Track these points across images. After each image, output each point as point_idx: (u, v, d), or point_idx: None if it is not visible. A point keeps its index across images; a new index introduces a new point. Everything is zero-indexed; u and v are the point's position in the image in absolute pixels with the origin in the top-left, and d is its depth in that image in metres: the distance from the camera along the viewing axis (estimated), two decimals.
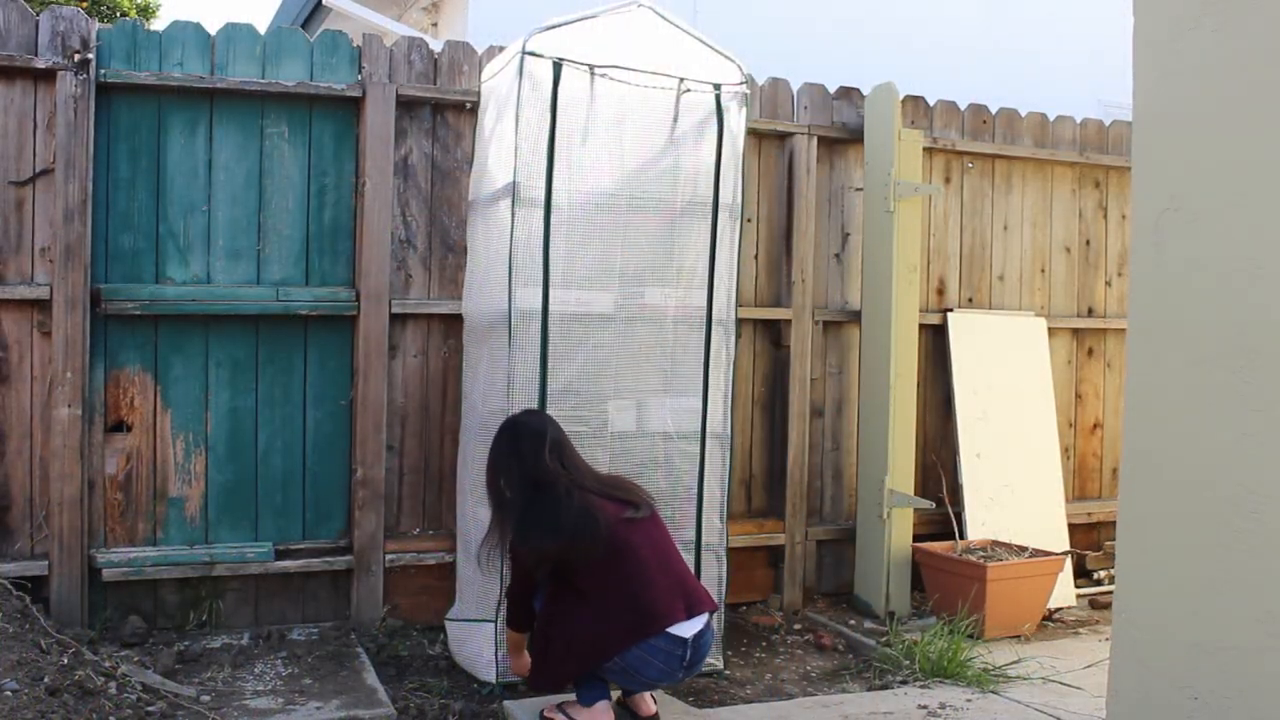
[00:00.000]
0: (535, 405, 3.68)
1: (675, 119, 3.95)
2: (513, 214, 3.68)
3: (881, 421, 4.83)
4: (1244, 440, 2.37)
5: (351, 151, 4.28)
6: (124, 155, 4.02)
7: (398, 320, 4.32)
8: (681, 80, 3.96)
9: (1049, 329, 5.44)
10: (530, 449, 3.35)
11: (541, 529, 3.25)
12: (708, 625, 3.33)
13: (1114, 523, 5.02)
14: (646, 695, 3.45)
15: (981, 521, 4.98)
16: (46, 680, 3.09)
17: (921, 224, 5.06)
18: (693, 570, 3.98)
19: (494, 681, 3.71)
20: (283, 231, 4.21)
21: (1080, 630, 4.75)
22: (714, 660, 4.02)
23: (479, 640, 3.79)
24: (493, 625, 3.72)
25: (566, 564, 3.26)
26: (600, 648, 3.21)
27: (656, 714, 3.45)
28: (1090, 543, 5.56)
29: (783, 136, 4.95)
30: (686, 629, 3.25)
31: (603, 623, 3.21)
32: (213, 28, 4.09)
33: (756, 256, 4.93)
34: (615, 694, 3.43)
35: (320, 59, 4.20)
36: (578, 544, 3.21)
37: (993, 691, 3.89)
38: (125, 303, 3.96)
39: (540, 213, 3.69)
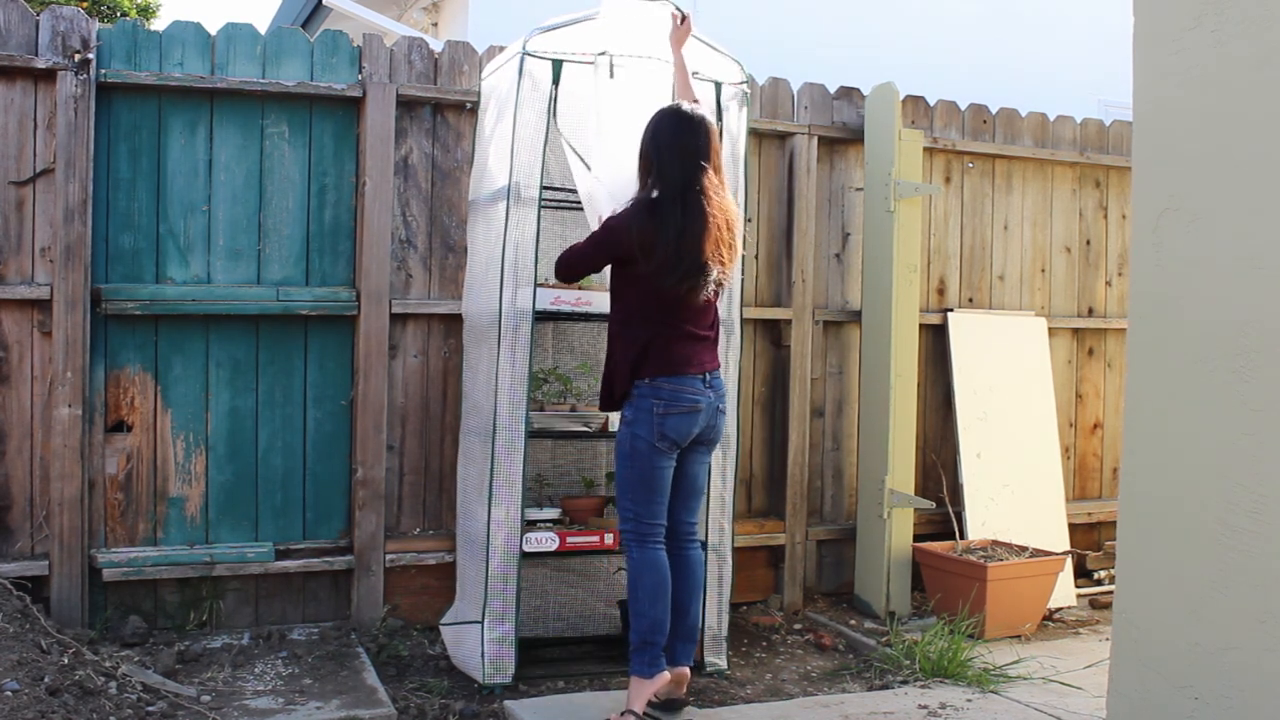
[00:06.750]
0: (524, 404, 3.71)
1: None
2: (506, 214, 3.69)
3: (882, 421, 4.83)
4: (1243, 440, 2.37)
5: (352, 151, 4.28)
6: (124, 155, 4.02)
7: (398, 320, 4.32)
8: None
9: (1049, 329, 5.44)
10: (690, 148, 3.41)
11: (649, 228, 3.36)
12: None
13: (1114, 523, 5.04)
14: (684, 669, 3.54)
15: (982, 521, 4.98)
16: (47, 680, 3.10)
17: (922, 224, 5.06)
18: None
19: (482, 683, 3.72)
20: (283, 231, 4.21)
21: (1080, 630, 4.75)
22: (716, 660, 4.02)
23: (473, 641, 3.79)
24: (479, 627, 3.73)
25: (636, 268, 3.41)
26: (645, 367, 3.44)
27: (688, 700, 3.54)
28: (1090, 543, 5.56)
29: (783, 136, 4.95)
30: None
31: (645, 352, 3.44)
32: (213, 28, 4.09)
33: (757, 256, 4.93)
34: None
35: (320, 59, 4.20)
36: (662, 262, 3.34)
37: (993, 691, 3.89)
38: (125, 303, 3.96)
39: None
